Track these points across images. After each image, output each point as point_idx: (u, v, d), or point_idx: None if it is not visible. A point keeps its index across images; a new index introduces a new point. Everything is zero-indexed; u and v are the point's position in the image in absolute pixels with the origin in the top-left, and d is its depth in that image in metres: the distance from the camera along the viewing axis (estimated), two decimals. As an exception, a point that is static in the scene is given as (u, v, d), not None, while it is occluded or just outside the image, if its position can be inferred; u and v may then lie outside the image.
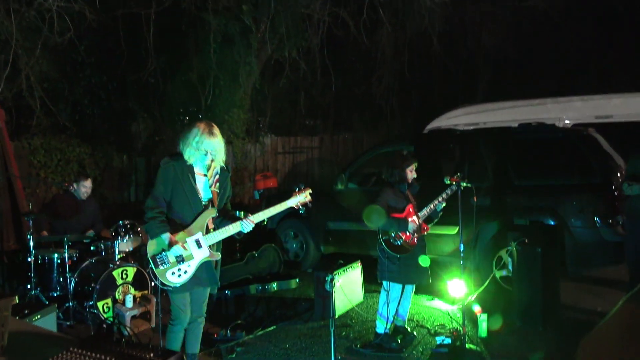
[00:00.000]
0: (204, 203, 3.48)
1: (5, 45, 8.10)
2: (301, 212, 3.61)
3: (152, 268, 3.36)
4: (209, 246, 3.42)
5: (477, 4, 13.03)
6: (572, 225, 5.43)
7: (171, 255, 3.35)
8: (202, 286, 3.54)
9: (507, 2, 13.15)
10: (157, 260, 3.35)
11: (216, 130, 3.48)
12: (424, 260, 4.45)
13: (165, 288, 3.41)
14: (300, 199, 3.53)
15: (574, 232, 5.43)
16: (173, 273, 3.36)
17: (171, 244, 3.31)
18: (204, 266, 3.44)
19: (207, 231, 3.45)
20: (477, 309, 4.81)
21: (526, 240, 4.97)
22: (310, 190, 3.55)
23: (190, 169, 3.45)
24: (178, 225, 3.41)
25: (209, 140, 3.41)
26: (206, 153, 3.43)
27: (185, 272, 3.38)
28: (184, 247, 3.35)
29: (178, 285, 3.39)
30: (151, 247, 3.38)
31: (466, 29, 13.44)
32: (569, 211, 5.46)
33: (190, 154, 3.44)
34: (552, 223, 5.52)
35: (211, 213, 3.47)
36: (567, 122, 8.13)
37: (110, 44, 9.62)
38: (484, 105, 9.41)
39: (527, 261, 4.90)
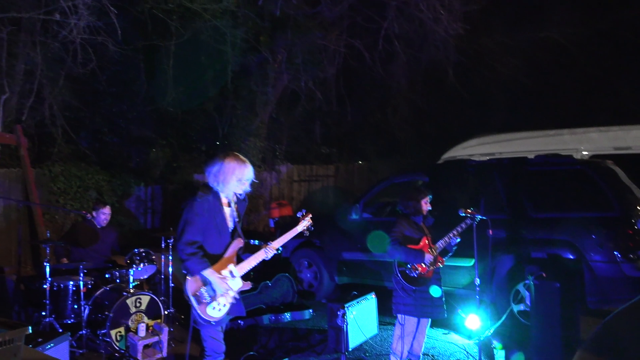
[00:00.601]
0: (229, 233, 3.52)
1: (30, 75, 8.38)
2: (306, 234, 3.87)
3: (194, 307, 3.33)
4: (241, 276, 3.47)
5: (491, 35, 13.15)
6: (592, 260, 5.32)
7: (212, 290, 3.34)
8: (230, 316, 3.55)
9: (522, 33, 13.25)
10: (200, 297, 3.32)
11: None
12: (435, 291, 4.38)
13: (203, 323, 3.38)
14: (305, 223, 3.79)
15: (593, 267, 5.31)
16: (214, 308, 3.35)
17: (214, 280, 3.31)
18: (235, 297, 3.47)
19: (238, 261, 3.49)
20: (495, 344, 4.71)
21: (544, 274, 4.87)
22: (310, 215, 3.87)
23: (220, 200, 3.47)
24: (211, 257, 3.41)
25: (249, 168, 3.50)
26: (248, 183, 3.50)
27: (225, 305, 3.38)
28: (225, 282, 3.36)
29: (219, 319, 3.38)
30: (192, 284, 3.34)
31: (481, 60, 13.53)
32: (587, 245, 5.36)
33: (231, 187, 3.45)
34: (570, 257, 5.42)
35: (240, 243, 3.52)
36: (584, 153, 8.06)
37: (130, 74, 9.89)
38: (500, 136, 9.39)
39: (545, 296, 4.79)
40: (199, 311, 3.32)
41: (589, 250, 5.33)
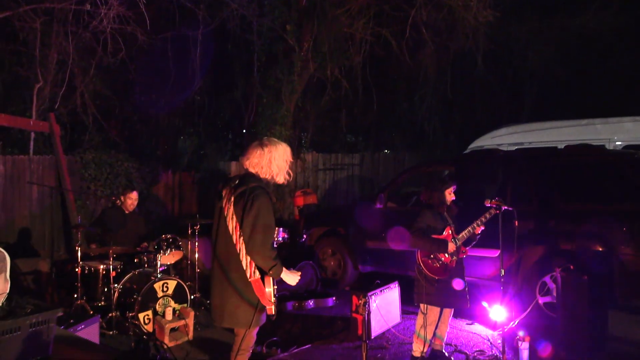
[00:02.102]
0: None
1: (63, 65, 8.59)
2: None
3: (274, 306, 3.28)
4: None
5: (523, 22, 12.81)
6: (622, 253, 5.19)
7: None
8: None
9: (555, 20, 12.88)
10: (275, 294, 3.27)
11: None
12: (457, 284, 4.35)
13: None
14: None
15: (624, 260, 5.18)
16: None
17: (290, 278, 3.28)
18: None
19: None
20: (519, 335, 4.65)
21: (572, 267, 4.78)
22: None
23: None
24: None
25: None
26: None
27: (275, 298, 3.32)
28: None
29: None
30: (269, 287, 3.22)
31: (512, 48, 13.20)
32: (618, 238, 5.22)
33: (284, 173, 3.34)
34: (600, 250, 5.29)
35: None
36: (617, 143, 7.82)
37: (159, 63, 10.02)
38: (530, 125, 9.19)
39: (573, 288, 4.71)
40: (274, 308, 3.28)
41: (619, 243, 5.19)
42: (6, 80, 8.74)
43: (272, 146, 3.27)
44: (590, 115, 8.77)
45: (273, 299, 3.21)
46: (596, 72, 13.46)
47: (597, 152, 5.89)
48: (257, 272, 3.16)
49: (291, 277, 3.28)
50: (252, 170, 3.26)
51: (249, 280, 3.16)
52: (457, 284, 4.35)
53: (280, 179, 3.33)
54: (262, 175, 3.27)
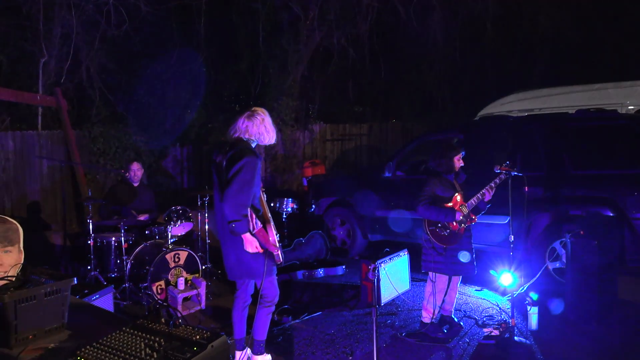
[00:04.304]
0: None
1: (67, 39, 8.53)
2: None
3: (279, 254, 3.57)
4: None
5: (534, -15, 12.49)
6: (633, 217, 5.16)
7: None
8: None
9: (567, -18, 12.53)
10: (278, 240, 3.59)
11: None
12: (463, 257, 4.37)
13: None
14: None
15: (635, 225, 5.15)
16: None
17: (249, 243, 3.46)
18: None
19: None
20: (528, 300, 4.68)
21: (582, 232, 4.77)
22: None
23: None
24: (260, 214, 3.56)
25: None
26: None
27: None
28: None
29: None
30: (272, 235, 3.54)
31: (522, 12, 12.88)
32: (629, 202, 5.18)
33: (273, 134, 3.63)
34: (610, 214, 5.27)
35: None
36: (630, 108, 7.69)
37: (163, 35, 9.92)
38: (540, 91, 9.03)
39: (583, 253, 4.71)
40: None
41: (630, 208, 5.16)
42: (12, 55, 8.71)
43: (263, 113, 3.60)
44: (602, 80, 8.60)
45: (278, 245, 3.53)
46: (609, 35, 13.13)
47: (610, 116, 5.80)
48: (259, 222, 3.45)
49: (250, 244, 3.42)
50: (246, 137, 3.53)
51: (253, 232, 3.42)
52: (464, 257, 4.37)
53: (272, 141, 3.65)
54: (260, 141, 3.58)
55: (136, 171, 6.31)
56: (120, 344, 1.78)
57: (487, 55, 13.34)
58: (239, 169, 3.31)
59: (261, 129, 3.53)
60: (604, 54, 13.24)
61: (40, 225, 8.05)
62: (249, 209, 3.38)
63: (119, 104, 9.65)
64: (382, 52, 10.84)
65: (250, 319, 3.74)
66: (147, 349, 1.72)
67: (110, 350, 1.74)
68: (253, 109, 3.63)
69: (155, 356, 1.68)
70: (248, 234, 3.38)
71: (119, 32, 8.39)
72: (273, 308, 3.71)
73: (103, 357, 1.71)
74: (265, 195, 3.72)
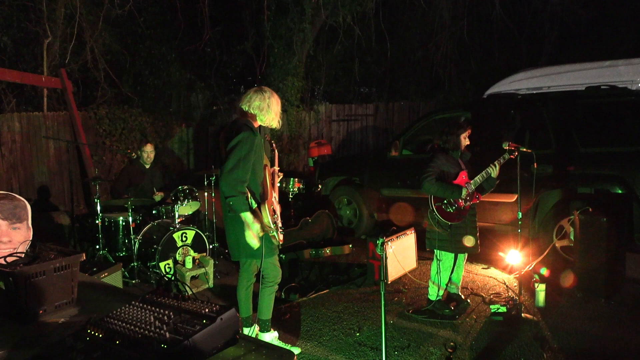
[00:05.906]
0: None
1: (71, 19, 8.47)
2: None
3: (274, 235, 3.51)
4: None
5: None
6: (642, 195, 5.12)
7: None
8: None
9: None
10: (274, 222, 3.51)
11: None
12: (468, 241, 4.36)
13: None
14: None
15: (643, 202, 5.11)
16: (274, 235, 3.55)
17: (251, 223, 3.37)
18: None
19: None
20: (537, 277, 4.68)
21: (590, 209, 4.74)
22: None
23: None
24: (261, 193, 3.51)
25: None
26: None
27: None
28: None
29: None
30: (267, 217, 3.42)
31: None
32: (638, 180, 5.14)
33: (277, 116, 3.58)
34: (619, 192, 5.22)
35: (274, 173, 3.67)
36: (640, 85, 7.56)
37: (167, 15, 9.82)
38: (549, 69, 8.89)
39: (591, 231, 4.69)
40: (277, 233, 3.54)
41: (639, 185, 5.11)
42: (16, 36, 8.66)
43: (270, 92, 3.57)
44: (612, 57, 8.45)
45: (273, 226, 3.43)
46: (619, 11, 12.88)
47: (620, 93, 5.71)
48: (253, 202, 3.39)
49: (252, 225, 3.31)
50: (251, 112, 3.50)
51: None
52: (469, 241, 4.36)
53: (275, 123, 3.58)
54: (262, 117, 3.51)
55: (149, 153, 6.32)
56: (130, 317, 1.79)
57: (495, 33, 13.13)
58: (235, 145, 3.29)
59: (263, 105, 3.49)
60: (614, 32, 12.99)
61: (48, 206, 8.10)
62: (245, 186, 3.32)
63: (124, 85, 9.62)
64: (388, 30, 10.68)
65: (256, 298, 3.75)
66: (157, 322, 1.73)
67: (120, 323, 1.75)
68: (263, 87, 3.63)
69: (164, 329, 1.69)
70: (249, 214, 3.28)
71: (123, 12, 8.31)
72: (276, 288, 3.69)
73: (113, 329, 1.72)
74: (276, 177, 3.67)
